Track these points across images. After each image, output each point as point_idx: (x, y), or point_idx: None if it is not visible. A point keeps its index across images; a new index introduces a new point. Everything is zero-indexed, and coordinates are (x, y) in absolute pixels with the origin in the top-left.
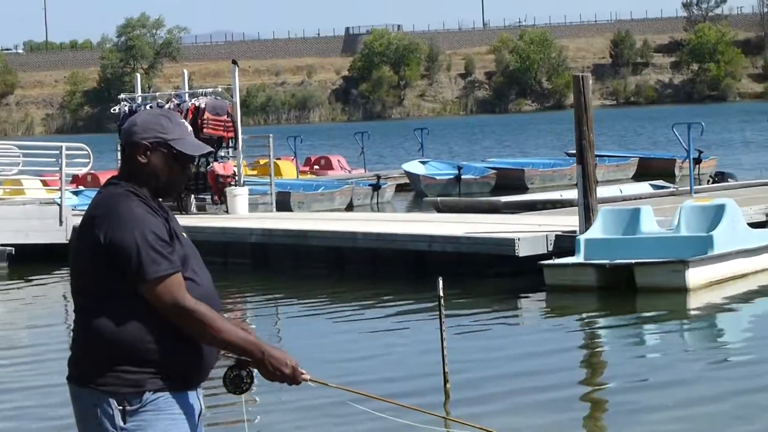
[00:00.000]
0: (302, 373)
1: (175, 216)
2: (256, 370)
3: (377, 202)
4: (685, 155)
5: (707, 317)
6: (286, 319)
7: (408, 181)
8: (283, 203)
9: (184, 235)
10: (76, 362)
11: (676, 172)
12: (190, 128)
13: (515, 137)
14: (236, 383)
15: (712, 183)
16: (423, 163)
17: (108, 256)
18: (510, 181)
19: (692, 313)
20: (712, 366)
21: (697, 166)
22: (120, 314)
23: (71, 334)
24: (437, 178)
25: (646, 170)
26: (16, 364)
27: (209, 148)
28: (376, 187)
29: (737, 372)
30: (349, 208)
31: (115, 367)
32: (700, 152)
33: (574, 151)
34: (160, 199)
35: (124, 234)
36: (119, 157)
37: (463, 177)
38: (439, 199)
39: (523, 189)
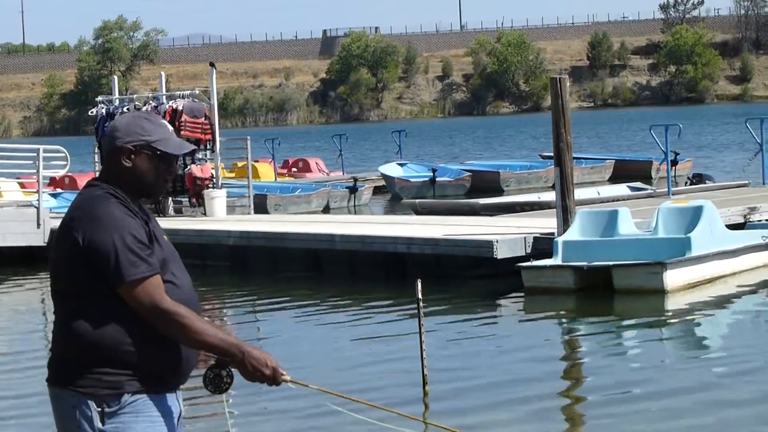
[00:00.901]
0: (282, 374)
1: (156, 219)
2: (236, 370)
3: (354, 205)
4: (661, 157)
5: (685, 319)
6: (265, 322)
7: (385, 183)
8: (260, 206)
9: (165, 238)
10: (55, 364)
11: (653, 174)
12: (171, 128)
13: (494, 139)
14: (216, 383)
15: (690, 185)
16: (401, 165)
17: (86, 258)
18: (485, 183)
19: (670, 315)
20: (690, 369)
21: (674, 168)
22: (99, 316)
23: (50, 336)
24: (411, 180)
25: (622, 172)
26: None
27: (192, 147)
28: (352, 190)
29: (715, 375)
30: (326, 210)
31: (93, 369)
32: (677, 154)
33: (549, 154)
34: (142, 202)
35: (103, 236)
36: (97, 160)
37: (437, 179)
38: (417, 201)
39: (499, 191)
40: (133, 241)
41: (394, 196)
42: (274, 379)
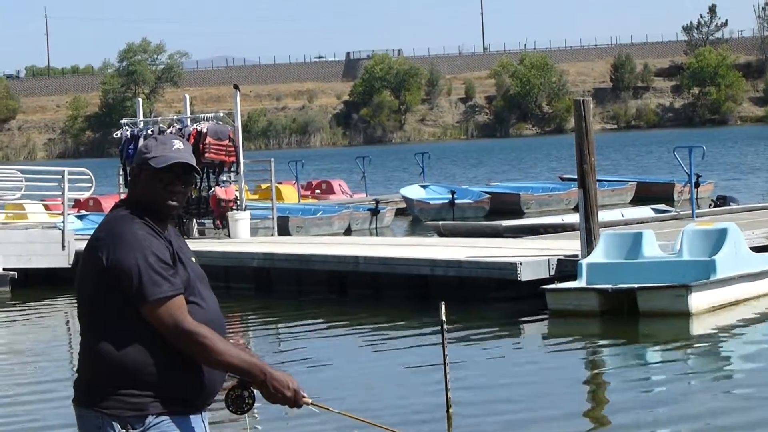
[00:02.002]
0: (303, 397)
1: (184, 240)
2: (258, 391)
3: (376, 227)
4: (682, 179)
5: (710, 342)
6: (288, 343)
7: (406, 205)
8: (282, 227)
9: (193, 259)
10: (81, 385)
11: (675, 196)
12: (179, 146)
13: (518, 161)
14: (238, 403)
15: (714, 207)
16: (424, 187)
17: (111, 278)
18: (506, 205)
19: (695, 338)
20: (716, 392)
21: (695, 190)
22: (123, 338)
23: (75, 357)
24: (431, 202)
25: (644, 194)
26: (20, 385)
27: (178, 159)
28: (374, 212)
29: (740, 398)
30: (348, 232)
31: (118, 390)
32: (698, 176)
33: (569, 176)
34: (171, 222)
35: (126, 256)
36: (121, 182)
37: (457, 201)
38: (440, 223)
39: (519, 214)
40: (156, 261)
41: (416, 218)
42: (295, 402)
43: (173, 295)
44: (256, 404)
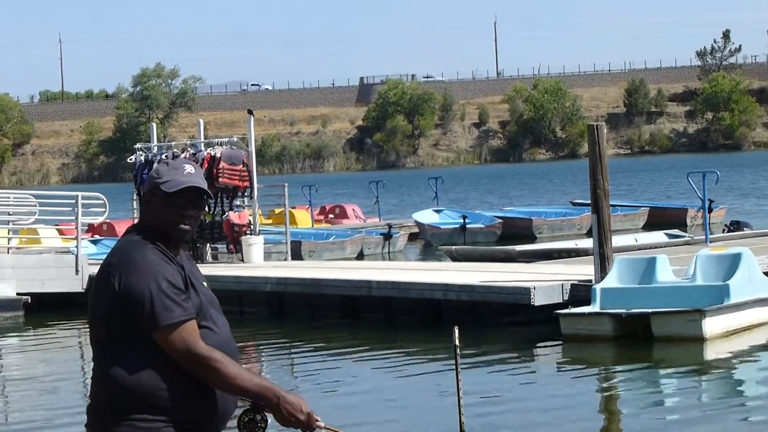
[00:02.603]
0: (317, 420)
1: (196, 265)
2: (270, 415)
3: (388, 252)
4: (695, 204)
5: (724, 367)
6: (301, 367)
7: (418, 230)
8: (295, 252)
9: (204, 284)
10: (93, 410)
11: (688, 221)
12: (191, 170)
13: (533, 186)
14: (250, 427)
15: (728, 232)
16: (437, 211)
17: (122, 303)
18: (518, 230)
19: (709, 363)
20: (730, 418)
21: (708, 215)
22: (136, 362)
23: (88, 382)
24: (442, 227)
25: (657, 220)
26: (34, 410)
27: (189, 183)
28: (387, 237)
29: (755, 425)
30: (360, 257)
31: (130, 415)
32: (711, 201)
33: (580, 201)
34: (183, 247)
35: (138, 281)
36: (135, 207)
37: (468, 226)
38: (453, 247)
39: (532, 238)
40: (168, 286)
41: (428, 243)
42: (308, 425)
43: (185, 320)
44: (268, 429)
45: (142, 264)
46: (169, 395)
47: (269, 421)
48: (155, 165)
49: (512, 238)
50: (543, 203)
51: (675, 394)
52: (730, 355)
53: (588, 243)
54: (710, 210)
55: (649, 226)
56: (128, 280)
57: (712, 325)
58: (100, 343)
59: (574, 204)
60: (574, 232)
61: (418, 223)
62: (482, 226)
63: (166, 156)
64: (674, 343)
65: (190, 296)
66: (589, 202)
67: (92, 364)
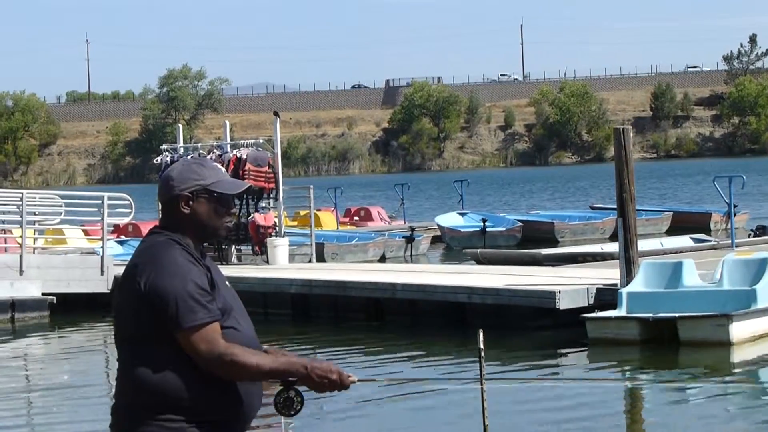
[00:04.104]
0: (349, 376)
1: (217, 266)
2: (304, 388)
3: (411, 254)
4: (719, 209)
5: (751, 372)
6: None
7: (440, 233)
8: (318, 254)
9: (228, 284)
10: (118, 411)
11: (711, 226)
12: (223, 169)
13: (559, 189)
14: (287, 405)
15: (754, 236)
16: (462, 214)
17: (148, 304)
18: (540, 234)
19: (736, 367)
20: (757, 423)
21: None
22: (161, 362)
23: (112, 383)
24: (462, 230)
25: (680, 224)
26: (57, 413)
27: (247, 184)
28: (409, 239)
29: None
30: (382, 260)
31: (157, 415)
32: (734, 206)
33: (599, 205)
34: (203, 247)
35: (165, 282)
36: (160, 207)
37: (488, 229)
38: (479, 250)
39: (554, 242)
40: (195, 288)
41: (448, 246)
42: (342, 384)
43: (208, 322)
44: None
45: (169, 266)
46: (194, 395)
47: (304, 396)
48: (180, 166)
49: (534, 241)
50: (568, 207)
51: (701, 398)
52: (757, 359)
53: (613, 247)
54: (734, 215)
55: (672, 231)
56: (155, 281)
57: (739, 330)
58: (126, 343)
59: (593, 208)
60: (597, 236)
61: (439, 226)
62: (502, 229)
63: (192, 157)
64: (701, 348)
65: (215, 297)
66: (608, 206)
67: (117, 364)
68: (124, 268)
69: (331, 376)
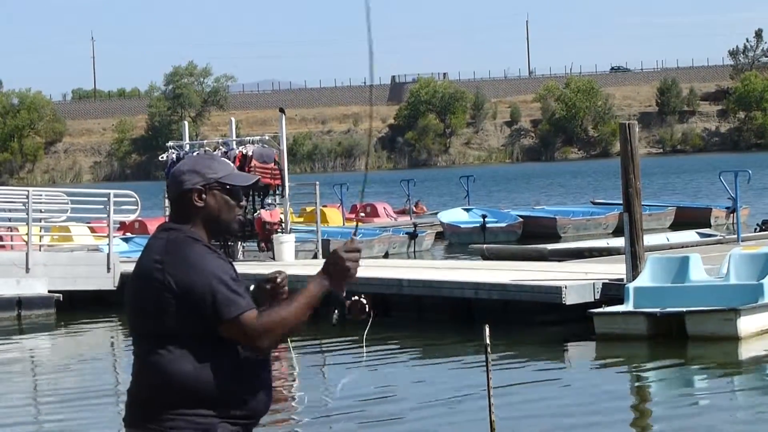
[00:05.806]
0: (352, 240)
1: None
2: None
3: (414, 251)
4: (719, 204)
5: (759, 366)
6: (330, 367)
7: (443, 229)
8: (324, 250)
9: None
10: (137, 405)
11: (712, 221)
12: (231, 164)
13: (566, 185)
14: (359, 308)
15: (759, 231)
16: (467, 210)
17: (180, 300)
18: (543, 229)
19: (744, 362)
20: (764, 418)
21: (732, 214)
22: (189, 357)
23: (120, 379)
24: (462, 226)
25: (683, 219)
26: (66, 410)
27: (256, 177)
28: (413, 236)
29: None
30: (386, 256)
31: (176, 409)
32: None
33: (601, 200)
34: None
35: (198, 278)
36: (167, 204)
37: (488, 225)
38: (485, 246)
39: (556, 237)
40: (229, 280)
41: (450, 242)
42: (354, 250)
43: (248, 310)
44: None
45: (200, 262)
46: (216, 388)
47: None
48: (190, 161)
49: (536, 237)
50: (573, 203)
51: (709, 392)
52: (764, 353)
53: (619, 242)
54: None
55: (675, 226)
56: (187, 278)
57: (746, 324)
58: (149, 339)
59: (595, 203)
60: (600, 232)
61: (441, 223)
62: (502, 225)
63: (197, 154)
64: (708, 342)
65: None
66: (610, 201)
67: (127, 360)
68: (134, 264)
69: (345, 256)
